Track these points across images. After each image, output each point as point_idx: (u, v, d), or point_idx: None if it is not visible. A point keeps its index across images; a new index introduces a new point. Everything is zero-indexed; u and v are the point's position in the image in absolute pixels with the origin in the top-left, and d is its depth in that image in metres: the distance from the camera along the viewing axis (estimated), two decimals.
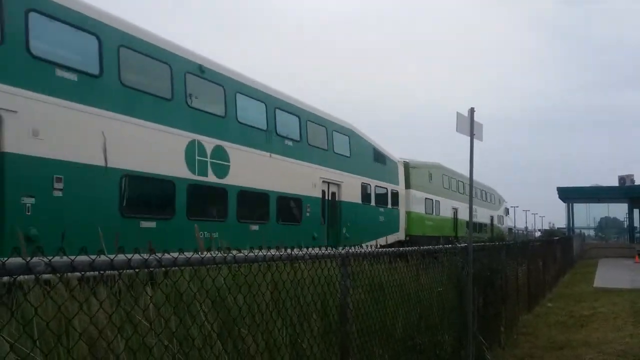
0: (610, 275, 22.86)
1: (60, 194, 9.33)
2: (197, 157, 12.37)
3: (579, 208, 48.95)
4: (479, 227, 37.52)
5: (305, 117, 17.09)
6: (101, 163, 10.07)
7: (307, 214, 16.78)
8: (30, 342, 2.99)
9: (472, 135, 7.73)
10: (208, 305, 3.66)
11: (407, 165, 25.80)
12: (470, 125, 7.67)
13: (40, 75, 9.25)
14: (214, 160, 12.91)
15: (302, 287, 4.29)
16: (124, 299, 3.31)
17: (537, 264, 15.14)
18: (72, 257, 2.27)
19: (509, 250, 10.99)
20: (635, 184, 45.46)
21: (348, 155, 19.67)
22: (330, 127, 18.60)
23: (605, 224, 55.14)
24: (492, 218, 43.82)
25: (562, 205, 48.07)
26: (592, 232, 55.36)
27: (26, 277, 2.15)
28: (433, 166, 29.89)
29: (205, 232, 12.03)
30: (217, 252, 3.14)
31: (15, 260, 2.09)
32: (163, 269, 2.82)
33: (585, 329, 10.93)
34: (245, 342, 3.68)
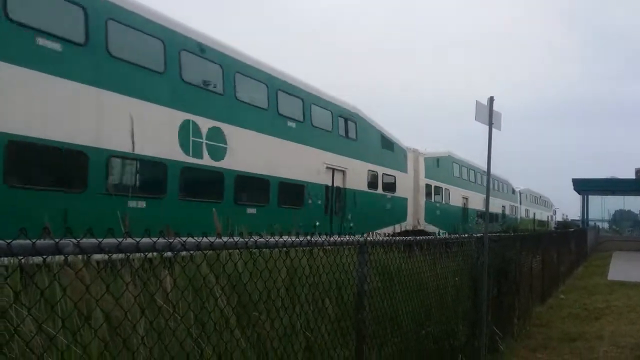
0: (625, 268, 22.67)
1: None
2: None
3: (594, 200, 48.44)
4: (542, 223, 57.72)
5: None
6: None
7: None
8: (52, 324, 3.03)
9: (490, 125, 7.66)
10: (228, 290, 3.69)
11: (520, 192, 51.15)
12: (489, 115, 7.60)
13: None
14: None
15: (320, 273, 4.30)
16: (144, 281, 3.34)
17: (551, 256, 15.05)
18: (100, 239, 2.30)
19: (523, 241, 10.94)
20: None
21: (512, 193, 45.06)
22: (510, 185, 44.24)
23: (620, 217, 54.58)
24: (548, 217, 68.47)
25: (576, 197, 47.60)
26: (606, 225, 54.83)
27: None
28: (528, 191, 56.44)
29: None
30: (238, 237, 3.16)
31: (45, 241, 2.12)
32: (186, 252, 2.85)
33: (599, 322, 10.87)
34: (264, 327, 3.71)
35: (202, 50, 12.18)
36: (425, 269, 6.29)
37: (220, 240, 2.99)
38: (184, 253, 2.77)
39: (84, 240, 2.23)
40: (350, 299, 4.66)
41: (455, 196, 30.23)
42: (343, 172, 18.04)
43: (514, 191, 48.45)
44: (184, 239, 2.69)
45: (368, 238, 4.70)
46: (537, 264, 12.37)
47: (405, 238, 6.03)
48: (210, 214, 8.31)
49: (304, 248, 3.92)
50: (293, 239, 3.58)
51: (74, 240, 2.19)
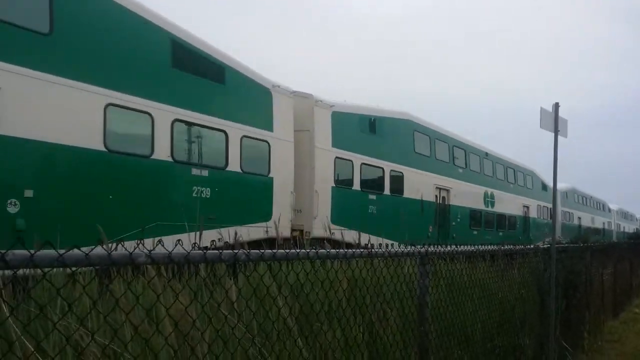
0: None
1: None
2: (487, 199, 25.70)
3: None
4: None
5: None
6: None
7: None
8: (122, 332, 3.17)
9: (556, 132, 7.43)
10: (291, 300, 3.74)
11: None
12: (554, 121, 7.37)
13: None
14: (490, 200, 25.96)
15: (382, 284, 4.29)
16: (207, 291, 3.45)
17: (624, 268, 14.33)
18: (170, 250, 2.40)
19: (593, 252, 10.48)
20: None
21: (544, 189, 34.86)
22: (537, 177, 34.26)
23: None
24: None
25: None
26: None
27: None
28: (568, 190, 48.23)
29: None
30: (300, 249, 3.22)
31: (120, 251, 2.23)
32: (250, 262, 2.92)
33: None
34: (326, 337, 3.74)
35: None
36: (489, 280, 6.14)
37: (283, 251, 3.05)
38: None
39: (155, 251, 2.33)
40: (412, 310, 4.61)
41: (416, 185, 19.06)
42: None
43: (544, 187, 34.76)
44: (248, 250, 2.76)
45: (429, 249, 4.64)
46: (608, 276, 11.81)
47: (467, 249, 5.83)
48: None
49: (365, 259, 3.93)
50: (353, 250, 3.60)
51: (146, 251, 2.30)
